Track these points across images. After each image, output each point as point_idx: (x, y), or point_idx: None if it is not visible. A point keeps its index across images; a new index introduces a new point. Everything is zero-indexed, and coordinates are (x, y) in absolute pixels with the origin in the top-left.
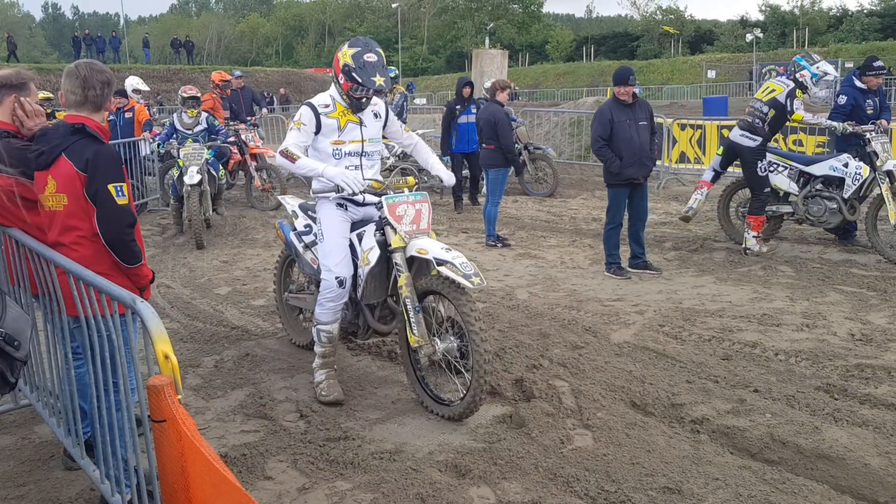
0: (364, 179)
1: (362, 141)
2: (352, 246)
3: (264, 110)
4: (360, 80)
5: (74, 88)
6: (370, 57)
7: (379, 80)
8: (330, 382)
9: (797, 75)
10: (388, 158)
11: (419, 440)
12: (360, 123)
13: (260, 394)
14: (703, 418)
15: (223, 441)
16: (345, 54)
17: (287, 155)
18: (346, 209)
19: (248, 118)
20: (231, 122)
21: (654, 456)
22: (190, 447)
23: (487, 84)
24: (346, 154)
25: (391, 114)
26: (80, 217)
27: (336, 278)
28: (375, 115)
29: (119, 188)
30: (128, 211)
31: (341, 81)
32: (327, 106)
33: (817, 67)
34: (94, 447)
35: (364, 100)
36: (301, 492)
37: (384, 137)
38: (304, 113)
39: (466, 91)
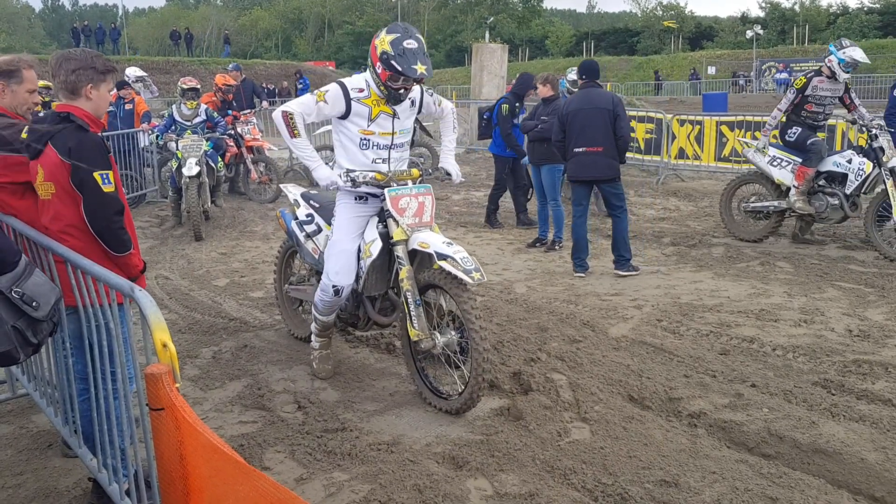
0: (359, 171)
1: (393, 133)
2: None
3: (265, 103)
4: (399, 69)
5: (53, 80)
6: (410, 44)
7: (420, 67)
8: (323, 354)
9: (826, 62)
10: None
11: (417, 432)
12: (394, 115)
13: (258, 385)
14: (700, 412)
15: (221, 432)
16: (382, 41)
17: (289, 122)
18: (367, 201)
19: (248, 111)
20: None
21: (652, 449)
22: (189, 435)
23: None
24: (374, 146)
25: (425, 94)
26: (68, 205)
27: (333, 287)
28: (411, 104)
29: (105, 176)
30: (115, 198)
31: (379, 70)
32: (361, 90)
33: (844, 53)
34: (92, 436)
35: (403, 91)
36: (298, 482)
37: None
38: (332, 90)
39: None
